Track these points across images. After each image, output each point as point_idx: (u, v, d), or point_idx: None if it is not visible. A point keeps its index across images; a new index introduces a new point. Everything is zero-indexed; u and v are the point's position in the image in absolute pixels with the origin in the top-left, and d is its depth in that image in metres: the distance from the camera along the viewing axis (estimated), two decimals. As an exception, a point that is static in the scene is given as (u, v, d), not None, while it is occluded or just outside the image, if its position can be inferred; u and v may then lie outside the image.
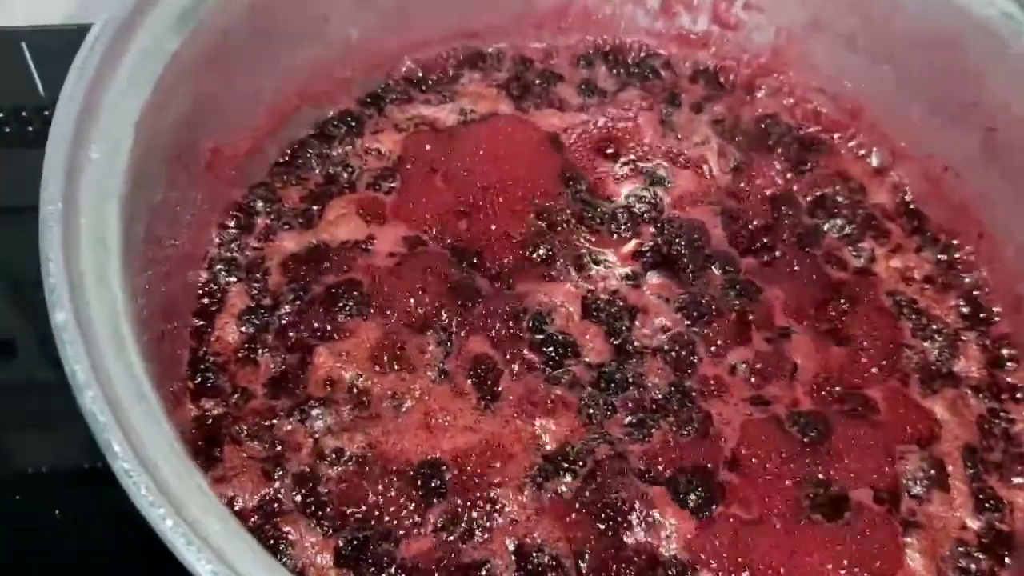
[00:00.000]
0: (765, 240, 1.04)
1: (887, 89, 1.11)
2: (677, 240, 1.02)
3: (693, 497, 0.81)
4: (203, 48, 0.88)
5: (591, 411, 0.87)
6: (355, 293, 0.92)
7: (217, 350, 0.88)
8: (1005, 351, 0.98)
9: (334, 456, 0.82)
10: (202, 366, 0.87)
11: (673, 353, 0.92)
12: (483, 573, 0.77)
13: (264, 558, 0.59)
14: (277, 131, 1.05)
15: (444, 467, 0.82)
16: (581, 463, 0.83)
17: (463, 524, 0.79)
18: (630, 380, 0.90)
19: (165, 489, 0.59)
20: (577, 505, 0.81)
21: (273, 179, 1.03)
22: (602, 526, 0.80)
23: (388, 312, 0.91)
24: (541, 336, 0.92)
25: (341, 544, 0.76)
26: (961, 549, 0.83)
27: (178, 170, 0.87)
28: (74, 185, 0.72)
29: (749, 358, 0.93)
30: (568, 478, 0.82)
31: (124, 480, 0.58)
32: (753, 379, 0.91)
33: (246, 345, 0.89)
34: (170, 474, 0.60)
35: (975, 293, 1.02)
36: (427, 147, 1.08)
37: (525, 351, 0.91)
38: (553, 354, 0.91)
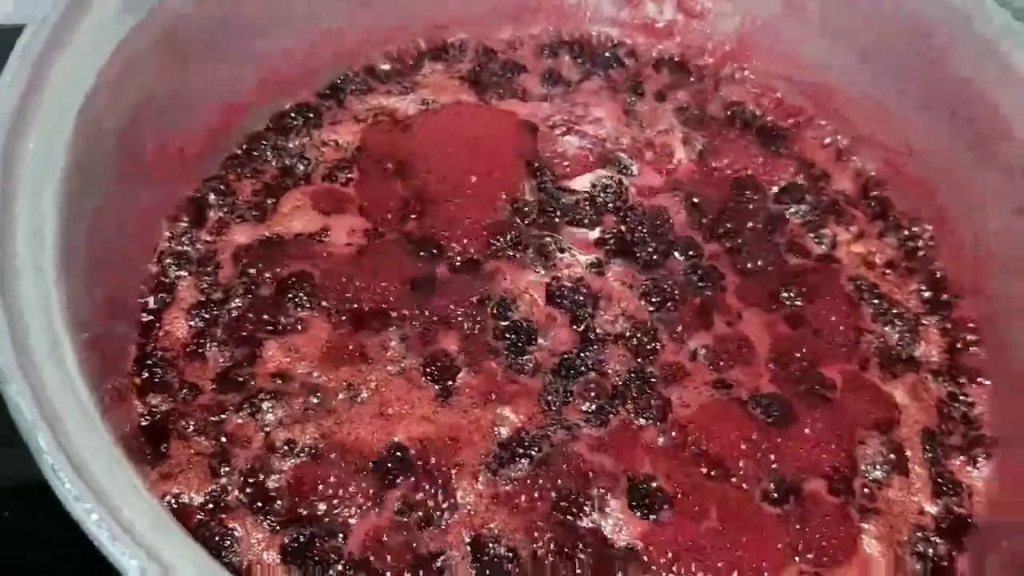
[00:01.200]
0: (728, 225, 1.03)
1: (852, 74, 1.10)
2: (640, 227, 1.01)
3: (646, 499, 0.80)
4: (153, 38, 0.86)
5: (550, 398, 0.86)
6: (307, 286, 0.90)
7: (165, 345, 0.87)
8: (965, 335, 0.97)
9: (286, 448, 0.80)
10: (149, 361, 0.85)
11: (635, 340, 0.91)
12: (438, 565, 0.76)
13: (199, 555, 0.57)
14: (233, 124, 1.03)
15: (400, 454, 0.80)
16: (536, 448, 0.82)
17: (419, 512, 0.78)
18: (591, 366, 0.89)
19: (94, 484, 0.57)
20: (533, 494, 0.80)
21: (227, 172, 1.01)
22: (558, 515, 0.79)
23: (343, 305, 0.90)
24: (505, 323, 0.91)
25: (287, 541, 0.75)
26: (919, 534, 0.82)
27: (126, 162, 0.85)
28: (10, 174, 0.70)
29: (710, 343, 0.92)
30: (524, 463, 0.81)
31: (49, 475, 0.56)
32: (714, 364, 0.91)
33: (195, 340, 0.87)
34: (100, 470, 0.58)
35: (937, 278, 1.02)
36: (387, 137, 1.06)
37: (489, 338, 0.90)
38: (517, 341, 0.90)
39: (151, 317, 0.88)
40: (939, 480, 0.86)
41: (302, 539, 0.75)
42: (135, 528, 0.55)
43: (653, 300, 0.95)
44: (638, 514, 0.79)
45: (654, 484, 0.81)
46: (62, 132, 0.74)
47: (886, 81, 1.07)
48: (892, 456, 0.85)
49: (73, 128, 0.75)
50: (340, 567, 0.74)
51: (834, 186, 1.09)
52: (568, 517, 0.79)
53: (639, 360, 0.90)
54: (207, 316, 0.89)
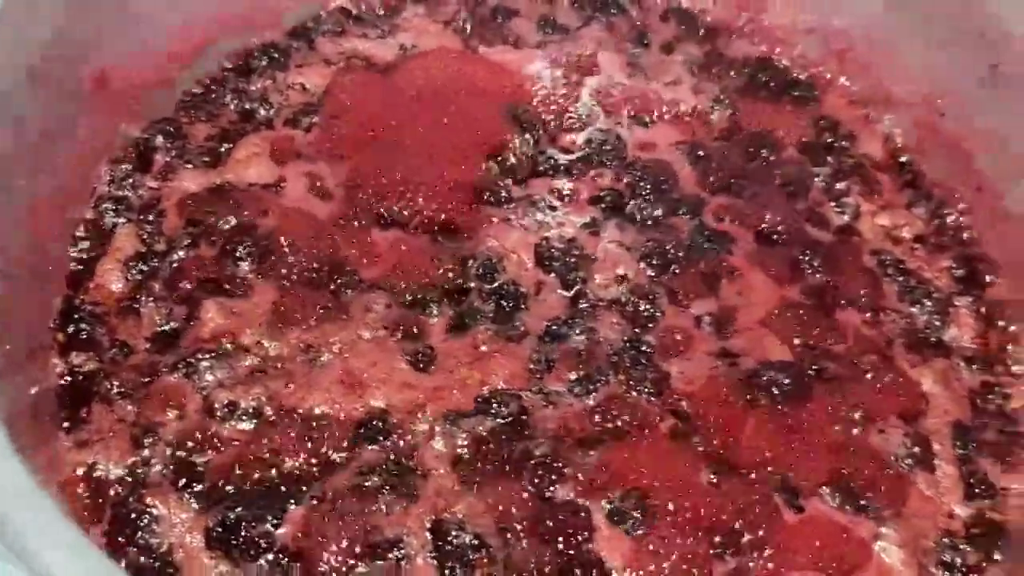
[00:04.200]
0: (739, 183, 0.92)
1: (878, 26, 0.99)
2: (642, 184, 0.90)
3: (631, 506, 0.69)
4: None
5: (532, 367, 0.77)
6: (255, 242, 0.80)
7: (96, 299, 0.77)
8: (1001, 320, 0.86)
9: (226, 411, 0.71)
10: (76, 316, 0.75)
11: (630, 306, 0.82)
12: (394, 554, 0.66)
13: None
14: (190, 61, 0.93)
15: (365, 421, 0.71)
16: (509, 411, 0.73)
17: (374, 480, 0.69)
18: (580, 334, 0.79)
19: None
20: (503, 463, 0.70)
21: (179, 114, 0.91)
22: (532, 489, 0.69)
23: (298, 261, 0.80)
24: (491, 286, 0.82)
25: (211, 524, 0.65)
26: (947, 540, 0.71)
27: (54, 85, 0.75)
28: None
29: (715, 311, 0.82)
30: (492, 424, 0.72)
31: None
32: (719, 332, 0.80)
33: (131, 295, 0.78)
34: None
35: (970, 254, 0.90)
36: (360, 83, 0.96)
37: (475, 301, 0.81)
38: (504, 305, 0.81)
39: (81, 267, 0.78)
40: (971, 481, 0.75)
41: (229, 523, 0.65)
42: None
43: (654, 263, 0.85)
44: (619, 525, 0.68)
45: (642, 484, 0.70)
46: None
47: (914, 32, 0.96)
48: (916, 449, 0.74)
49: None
50: (271, 555, 0.64)
51: (860, 149, 0.98)
52: (542, 490, 0.69)
53: (636, 329, 0.80)
54: (145, 268, 0.79)
